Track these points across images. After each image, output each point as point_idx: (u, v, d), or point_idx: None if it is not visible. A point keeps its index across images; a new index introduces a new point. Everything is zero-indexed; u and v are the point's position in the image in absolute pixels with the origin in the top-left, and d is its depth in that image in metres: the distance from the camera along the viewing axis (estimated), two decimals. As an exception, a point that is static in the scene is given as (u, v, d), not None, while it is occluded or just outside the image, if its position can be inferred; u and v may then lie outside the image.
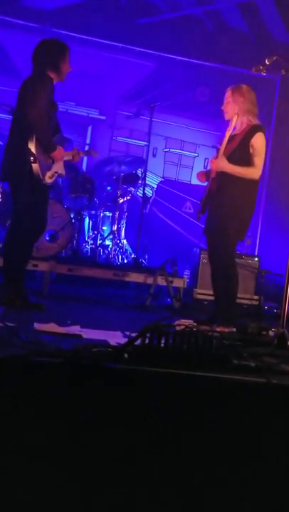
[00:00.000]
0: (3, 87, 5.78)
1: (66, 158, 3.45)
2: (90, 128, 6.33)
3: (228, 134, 3.39)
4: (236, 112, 3.36)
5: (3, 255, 3.35)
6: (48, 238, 4.48)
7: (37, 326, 2.50)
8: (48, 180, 3.24)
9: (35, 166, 3.12)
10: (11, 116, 5.13)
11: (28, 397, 1.69)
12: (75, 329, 2.54)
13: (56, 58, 3.26)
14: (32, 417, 1.68)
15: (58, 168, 3.34)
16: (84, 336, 2.43)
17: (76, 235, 4.83)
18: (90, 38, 5.92)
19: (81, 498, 1.64)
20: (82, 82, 6.02)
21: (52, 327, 2.50)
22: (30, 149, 3.10)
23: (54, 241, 4.50)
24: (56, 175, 3.33)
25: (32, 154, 3.10)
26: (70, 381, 1.74)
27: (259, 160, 3.33)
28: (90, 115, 6.26)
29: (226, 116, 3.43)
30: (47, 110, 3.17)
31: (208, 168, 3.66)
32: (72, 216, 4.72)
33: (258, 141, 3.35)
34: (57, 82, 3.32)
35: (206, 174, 3.58)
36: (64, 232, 4.52)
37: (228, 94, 3.41)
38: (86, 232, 5.16)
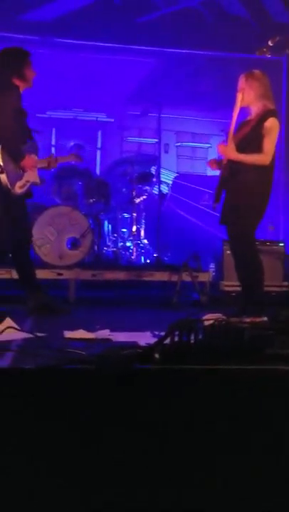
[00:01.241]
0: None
1: (40, 165, 3.39)
2: (99, 132, 6.35)
3: (234, 118, 3.34)
4: (252, 97, 3.30)
5: (16, 269, 3.45)
6: (69, 246, 4.51)
7: (66, 333, 2.51)
8: (18, 190, 3.18)
9: (2, 177, 3.08)
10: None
11: (62, 405, 1.69)
12: (104, 333, 2.53)
13: (19, 65, 3.25)
14: (68, 425, 1.68)
15: (31, 176, 3.28)
16: (113, 339, 2.43)
17: (96, 239, 4.84)
18: (91, 43, 5.94)
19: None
20: (87, 88, 6.05)
21: (81, 333, 2.50)
22: None
23: (76, 248, 4.52)
24: (28, 184, 3.27)
25: None
26: (102, 386, 1.74)
27: (269, 145, 3.26)
28: (99, 119, 6.27)
29: (242, 104, 3.37)
30: (14, 119, 3.14)
31: (220, 156, 3.61)
32: (90, 222, 4.73)
33: (269, 126, 3.28)
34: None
35: (217, 162, 3.54)
36: (84, 239, 4.53)
37: (242, 80, 3.35)
38: (106, 236, 5.17)
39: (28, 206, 4.75)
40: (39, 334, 2.38)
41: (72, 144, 5.60)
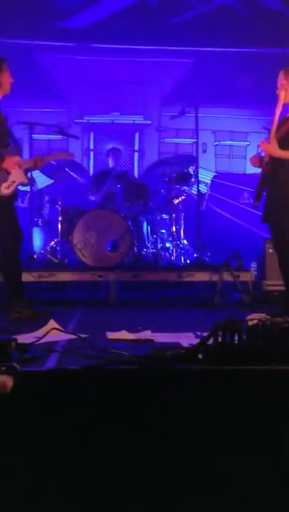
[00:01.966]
0: (49, 109, 5.98)
1: (25, 166, 3.45)
2: (137, 134, 6.38)
3: (277, 116, 3.27)
4: None
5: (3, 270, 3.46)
6: (109, 248, 4.55)
7: (109, 334, 2.53)
8: (4, 191, 3.26)
9: None
10: (60, 137, 5.30)
11: (106, 405, 1.70)
12: (146, 334, 2.54)
13: None
14: (112, 424, 1.69)
15: (17, 177, 3.33)
16: (156, 340, 2.42)
17: (136, 241, 4.86)
18: (126, 46, 5.98)
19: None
20: (123, 91, 6.09)
21: (123, 334, 2.52)
22: None
23: (115, 250, 4.55)
24: (15, 185, 3.34)
25: None
26: (145, 387, 1.74)
27: None
28: (136, 122, 6.31)
29: (283, 100, 3.30)
30: None
31: (260, 152, 3.55)
32: (129, 224, 4.76)
33: None
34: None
35: (259, 159, 3.48)
36: (124, 241, 4.56)
37: (281, 77, 3.31)
38: (146, 238, 5.18)
39: (68, 210, 4.88)
40: (82, 335, 2.41)
41: (109, 147, 5.66)
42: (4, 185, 3.27)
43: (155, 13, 5.82)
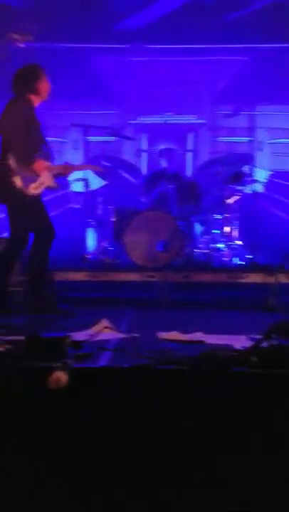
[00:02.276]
0: (103, 111, 6.07)
1: (54, 171, 3.59)
2: (190, 134, 6.35)
3: None
4: None
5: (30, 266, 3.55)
6: (160, 249, 4.55)
7: (160, 334, 2.52)
8: (32, 191, 3.41)
9: (16, 179, 3.33)
10: (113, 138, 5.38)
11: (154, 404, 1.70)
12: (198, 335, 2.51)
13: (31, 82, 3.48)
14: (161, 423, 1.69)
15: (45, 180, 3.49)
16: (207, 341, 2.39)
17: (187, 241, 4.83)
18: (180, 46, 5.96)
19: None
20: (176, 91, 6.08)
21: (174, 335, 2.50)
22: (9, 164, 3.31)
23: (167, 251, 4.55)
24: (43, 186, 3.48)
25: (11, 169, 3.31)
26: (197, 387, 1.72)
27: None
28: (189, 121, 6.27)
29: None
30: (23, 129, 3.37)
31: None
32: (181, 224, 4.73)
33: None
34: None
35: None
36: (175, 241, 4.55)
37: None
38: (197, 238, 5.14)
39: (121, 211, 4.93)
40: (134, 335, 2.42)
41: (162, 147, 5.66)
42: (33, 185, 3.41)
43: (209, 11, 5.76)
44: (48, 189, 3.64)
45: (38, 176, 3.45)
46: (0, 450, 1.71)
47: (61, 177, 3.75)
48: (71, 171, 3.77)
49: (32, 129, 3.49)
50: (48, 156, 3.63)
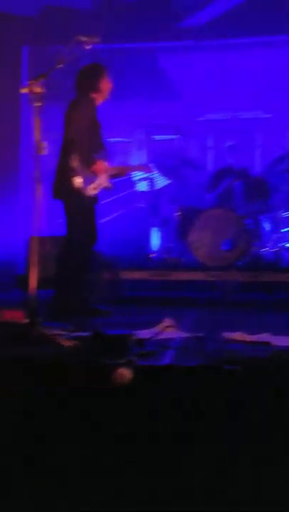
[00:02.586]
0: (171, 109, 6.07)
1: (111, 172, 3.57)
2: (258, 130, 6.18)
3: None
4: None
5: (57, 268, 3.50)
6: (225, 248, 4.47)
7: (225, 334, 2.48)
8: (91, 191, 3.40)
9: (77, 180, 3.31)
10: (177, 136, 5.37)
11: (220, 405, 1.67)
12: (265, 337, 2.44)
13: (94, 81, 3.45)
14: (225, 423, 1.65)
15: (103, 181, 3.49)
16: (274, 343, 2.32)
17: (254, 240, 4.71)
18: (245, 40, 5.82)
19: None
20: (243, 86, 5.94)
21: (240, 336, 2.45)
22: (72, 165, 3.30)
23: (232, 250, 4.46)
24: (100, 187, 3.48)
25: (73, 169, 3.30)
26: (265, 390, 1.67)
27: None
28: (258, 116, 6.12)
29: None
30: (88, 129, 3.37)
31: None
32: (248, 222, 4.63)
33: None
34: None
35: None
36: (241, 240, 4.45)
37: None
38: (265, 237, 4.99)
39: (185, 209, 4.90)
40: (198, 334, 2.40)
41: (229, 144, 5.57)
42: (92, 186, 3.43)
43: (275, 2, 5.56)
44: (105, 190, 3.67)
45: (97, 176, 3.48)
46: (66, 440, 1.75)
47: (117, 178, 3.77)
48: (125, 172, 3.84)
49: (95, 129, 3.52)
50: (106, 157, 3.65)
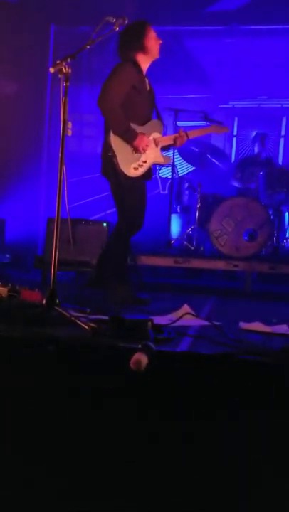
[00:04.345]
0: (196, 94, 5.99)
1: (164, 143, 3.18)
2: (284, 119, 6.06)
3: None
4: None
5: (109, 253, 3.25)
6: (246, 237, 4.43)
7: (242, 325, 2.47)
8: (132, 172, 3.03)
9: (115, 160, 2.99)
10: (205, 123, 5.30)
11: (234, 394, 1.67)
12: (282, 328, 2.42)
13: (137, 38, 3.09)
14: (240, 415, 1.65)
15: (150, 157, 3.09)
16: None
17: (276, 232, 4.65)
18: (276, 26, 5.68)
19: None
20: (271, 73, 5.82)
21: (257, 326, 2.43)
22: (109, 142, 2.99)
23: (253, 240, 4.42)
24: (146, 165, 3.08)
25: (110, 147, 2.99)
26: (279, 381, 1.66)
27: None
28: (284, 105, 5.99)
29: None
30: (127, 98, 3.02)
31: None
32: (270, 213, 4.57)
33: None
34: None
35: None
36: (263, 230, 4.40)
37: None
38: (287, 228, 4.93)
39: (207, 197, 4.86)
40: (215, 323, 2.39)
41: (254, 132, 5.47)
42: (133, 165, 3.06)
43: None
44: (157, 165, 3.30)
45: (140, 153, 3.07)
46: (128, 426, 1.76)
47: (174, 148, 3.32)
48: (184, 140, 3.29)
49: (136, 98, 3.08)
50: (159, 126, 3.24)
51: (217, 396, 1.70)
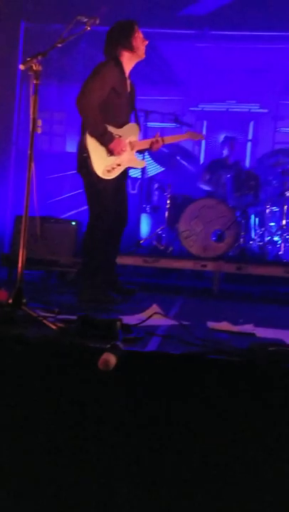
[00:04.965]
0: (167, 96, 6.03)
1: (139, 148, 3.19)
2: (251, 123, 6.19)
3: None
4: None
5: (82, 252, 3.26)
6: (214, 238, 4.50)
7: (210, 324, 2.51)
8: (105, 174, 3.03)
9: (89, 161, 2.99)
10: (174, 125, 5.35)
11: (204, 394, 1.69)
12: (248, 328, 2.47)
13: (125, 35, 3.07)
14: (207, 415, 1.68)
15: (124, 160, 3.09)
16: (257, 334, 2.35)
17: (243, 233, 4.75)
18: (247, 33, 5.79)
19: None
20: (241, 79, 5.93)
21: (225, 326, 2.48)
22: (85, 143, 2.99)
23: (221, 241, 4.49)
24: (120, 168, 3.08)
25: (86, 148, 2.98)
26: (246, 379, 1.69)
27: None
28: (252, 110, 6.12)
29: None
30: (106, 99, 3.01)
31: None
32: (238, 215, 4.65)
33: None
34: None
35: None
36: (230, 232, 4.48)
37: None
38: (253, 230, 5.04)
39: (177, 198, 4.91)
40: (184, 322, 2.42)
41: (223, 136, 5.56)
42: (107, 168, 3.05)
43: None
44: (132, 168, 3.29)
45: (115, 156, 3.06)
46: (97, 424, 1.74)
47: (149, 152, 3.33)
48: (160, 145, 3.28)
49: (113, 104, 3.05)
50: (135, 129, 3.22)
51: (185, 395, 1.73)
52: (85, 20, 2.63)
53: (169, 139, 3.48)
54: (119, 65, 3.11)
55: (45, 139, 6.29)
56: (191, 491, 1.67)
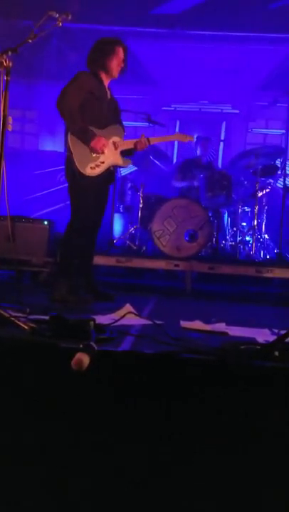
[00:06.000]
0: (140, 95, 6.03)
1: (123, 147, 3.29)
2: (224, 124, 6.26)
3: None
4: None
5: (57, 252, 3.34)
6: (187, 238, 4.53)
7: (183, 323, 2.52)
8: (88, 171, 3.13)
9: (72, 159, 3.10)
10: (147, 124, 5.35)
11: (178, 393, 1.70)
12: (221, 327, 2.50)
13: (101, 57, 3.24)
14: (180, 414, 1.69)
15: (108, 158, 3.19)
16: (230, 333, 2.38)
17: (215, 233, 4.79)
18: (220, 33, 5.85)
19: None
20: (213, 79, 5.99)
21: (197, 325, 2.50)
22: (68, 142, 3.12)
23: (194, 240, 4.53)
24: (104, 166, 3.18)
25: (68, 147, 3.12)
26: (219, 377, 1.71)
27: None
28: (224, 111, 6.19)
29: None
30: (85, 102, 3.13)
31: None
32: (210, 215, 4.70)
33: None
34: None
35: None
36: (203, 231, 4.51)
37: None
38: (225, 230, 5.09)
39: (150, 197, 4.92)
40: (157, 322, 2.42)
41: (196, 136, 5.60)
42: (91, 165, 3.13)
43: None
44: (116, 167, 3.36)
45: (97, 154, 3.15)
46: (72, 424, 1.72)
47: (137, 152, 3.40)
48: (145, 145, 3.36)
49: (99, 103, 3.21)
50: (119, 131, 3.33)
51: (159, 395, 1.73)
52: (57, 15, 2.61)
53: (156, 140, 3.57)
54: (98, 77, 3.28)
55: (17, 138, 6.20)
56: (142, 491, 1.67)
